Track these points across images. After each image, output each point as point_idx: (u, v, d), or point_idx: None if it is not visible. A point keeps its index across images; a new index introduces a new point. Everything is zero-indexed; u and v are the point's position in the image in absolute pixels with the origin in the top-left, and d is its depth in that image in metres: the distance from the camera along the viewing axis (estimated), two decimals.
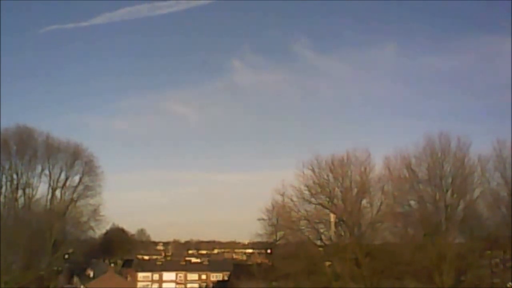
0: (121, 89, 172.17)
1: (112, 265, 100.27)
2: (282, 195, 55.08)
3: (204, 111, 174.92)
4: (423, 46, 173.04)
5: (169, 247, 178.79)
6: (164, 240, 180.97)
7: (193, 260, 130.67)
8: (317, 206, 53.33)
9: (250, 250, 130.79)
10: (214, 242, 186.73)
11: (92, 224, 71.75)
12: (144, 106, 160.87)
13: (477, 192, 50.07)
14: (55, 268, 71.61)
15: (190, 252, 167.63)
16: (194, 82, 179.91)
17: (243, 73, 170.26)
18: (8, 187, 66.07)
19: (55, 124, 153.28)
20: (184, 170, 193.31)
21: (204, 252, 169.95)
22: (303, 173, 53.07)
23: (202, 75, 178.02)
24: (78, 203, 69.63)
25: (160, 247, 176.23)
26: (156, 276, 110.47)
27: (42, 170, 67.98)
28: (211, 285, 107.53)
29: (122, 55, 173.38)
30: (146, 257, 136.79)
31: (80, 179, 69.43)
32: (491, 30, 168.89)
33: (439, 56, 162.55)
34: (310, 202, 53.63)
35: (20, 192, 66.67)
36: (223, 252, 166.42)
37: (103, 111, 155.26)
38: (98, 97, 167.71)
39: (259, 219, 63.27)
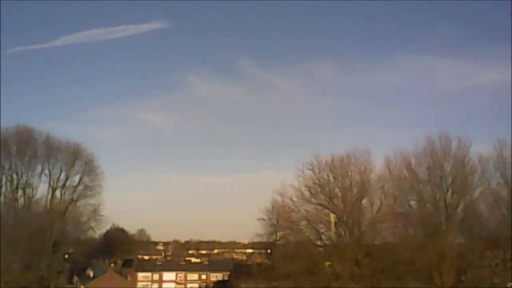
0: (90, 99, 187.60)
1: (112, 265, 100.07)
2: (282, 195, 55.09)
3: (174, 119, 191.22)
4: (357, 62, 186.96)
5: (169, 247, 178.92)
6: (164, 240, 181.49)
7: (193, 260, 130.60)
8: (317, 206, 53.31)
9: (250, 250, 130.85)
10: (214, 242, 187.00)
11: (92, 224, 71.75)
12: (115, 114, 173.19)
13: (477, 192, 50.18)
14: (55, 268, 71.49)
15: (190, 252, 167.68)
16: (157, 94, 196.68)
17: (199, 86, 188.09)
18: (8, 187, 65.97)
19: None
20: (182, 173, 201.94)
21: (204, 252, 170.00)
22: (303, 173, 53.14)
23: (162, 88, 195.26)
24: (78, 203, 69.53)
25: (160, 247, 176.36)
26: (156, 276, 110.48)
27: (42, 170, 67.94)
28: (211, 285, 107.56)
29: (82, 73, 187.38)
30: (146, 257, 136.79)
31: (80, 179, 69.33)
32: (423, 48, 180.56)
33: (373, 72, 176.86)
34: (310, 202, 53.67)
35: (20, 192, 66.59)
36: (223, 252, 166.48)
37: (75, 118, 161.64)
38: (70, 105, 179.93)
39: (259, 219, 63.27)
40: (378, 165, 53.06)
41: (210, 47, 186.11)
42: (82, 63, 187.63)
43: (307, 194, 53.42)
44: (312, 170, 53.03)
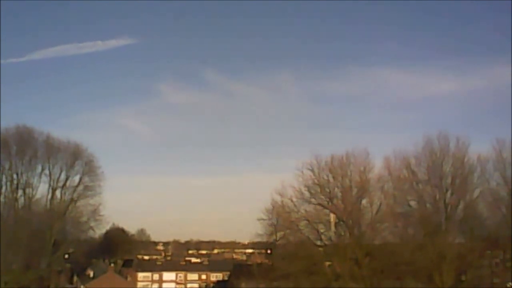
0: (70, 106, 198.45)
1: (112, 265, 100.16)
2: (282, 195, 55.07)
3: (154, 124, 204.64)
4: (315, 72, 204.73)
5: (169, 247, 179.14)
6: (164, 240, 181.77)
7: (193, 260, 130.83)
8: (317, 206, 53.26)
9: (250, 250, 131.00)
10: (214, 242, 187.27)
11: (92, 224, 71.65)
12: (97, 120, 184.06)
13: (476, 192, 50.18)
14: (55, 268, 71.54)
15: (190, 252, 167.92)
16: (131, 103, 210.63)
17: (171, 94, 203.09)
18: (8, 187, 65.92)
19: None
20: (181, 175, 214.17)
21: (204, 252, 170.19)
22: (303, 173, 53.11)
23: (136, 97, 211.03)
24: (78, 203, 69.43)
25: (160, 247, 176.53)
26: (156, 276, 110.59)
27: (42, 170, 67.87)
28: (211, 285, 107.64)
29: (58, 84, 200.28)
30: (146, 257, 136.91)
31: (80, 179, 69.26)
32: (368, 61, 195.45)
33: (329, 82, 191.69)
34: (309, 202, 53.60)
35: (20, 192, 66.53)
36: (223, 252, 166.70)
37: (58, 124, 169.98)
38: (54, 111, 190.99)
39: (259, 219, 63.22)
40: (377, 165, 53.17)
41: (174, 60, 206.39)
42: (57, 75, 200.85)
43: (307, 194, 53.42)
44: (312, 170, 53.03)
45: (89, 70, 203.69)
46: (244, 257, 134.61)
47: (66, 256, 77.90)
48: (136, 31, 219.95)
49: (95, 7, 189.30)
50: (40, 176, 67.82)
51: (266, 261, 74.96)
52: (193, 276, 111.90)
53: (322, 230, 53.30)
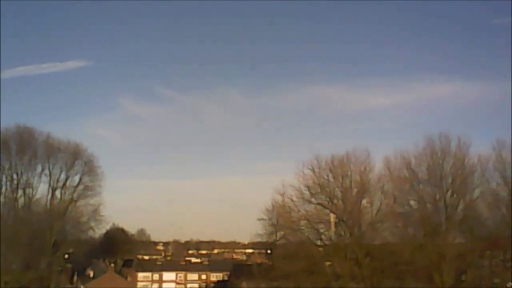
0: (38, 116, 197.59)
1: (112, 265, 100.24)
2: (282, 195, 55.10)
3: (125, 133, 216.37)
4: (261, 88, 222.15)
5: (169, 247, 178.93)
6: (164, 240, 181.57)
7: (193, 260, 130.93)
8: (317, 206, 53.28)
9: (250, 250, 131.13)
10: (214, 242, 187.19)
11: (92, 224, 71.68)
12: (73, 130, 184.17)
13: (477, 192, 50.05)
14: (56, 268, 71.52)
15: (190, 252, 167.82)
16: (93, 115, 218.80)
17: (130, 107, 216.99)
18: (8, 187, 65.92)
19: None
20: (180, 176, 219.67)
21: (204, 252, 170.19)
22: (303, 173, 53.14)
23: (93, 108, 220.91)
24: (78, 203, 69.43)
25: (160, 247, 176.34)
26: (156, 276, 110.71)
27: (42, 170, 67.86)
28: (211, 285, 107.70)
29: (29, 100, 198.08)
30: (146, 257, 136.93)
31: (80, 179, 69.26)
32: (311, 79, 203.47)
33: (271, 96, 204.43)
34: (310, 202, 53.62)
35: (20, 192, 66.50)
36: (223, 252, 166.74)
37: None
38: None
39: (259, 219, 63.35)
40: (378, 165, 53.15)
41: (128, 78, 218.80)
42: (24, 93, 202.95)
43: (307, 194, 53.40)
44: (312, 170, 53.09)
45: (51, 86, 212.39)
46: (244, 257, 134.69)
47: (66, 256, 77.94)
48: (90, 54, 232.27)
49: (49, 32, 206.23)
50: (40, 176, 67.90)
51: (266, 261, 75.02)
52: (193, 276, 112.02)
53: (322, 230, 53.34)
